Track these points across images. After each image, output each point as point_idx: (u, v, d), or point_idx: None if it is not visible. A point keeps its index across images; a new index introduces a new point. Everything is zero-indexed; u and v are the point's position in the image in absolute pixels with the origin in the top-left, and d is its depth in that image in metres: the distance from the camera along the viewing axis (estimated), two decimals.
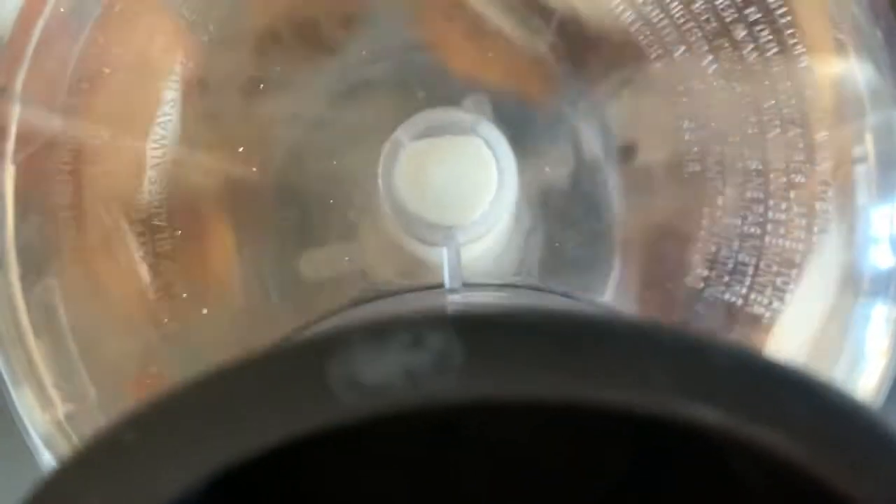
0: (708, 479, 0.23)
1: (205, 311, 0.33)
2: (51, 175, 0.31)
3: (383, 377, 0.12)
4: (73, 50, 0.31)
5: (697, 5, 0.31)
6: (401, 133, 0.30)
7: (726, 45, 0.31)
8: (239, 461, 0.12)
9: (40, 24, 0.31)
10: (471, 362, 0.12)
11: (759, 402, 0.12)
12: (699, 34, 0.31)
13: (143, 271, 0.32)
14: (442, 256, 0.29)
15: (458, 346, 0.12)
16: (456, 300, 0.27)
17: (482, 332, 0.12)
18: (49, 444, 0.32)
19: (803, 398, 0.12)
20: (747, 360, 0.13)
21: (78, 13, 0.31)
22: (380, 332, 0.12)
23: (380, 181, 0.29)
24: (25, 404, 0.31)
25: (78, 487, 0.13)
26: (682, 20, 0.31)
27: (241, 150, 0.32)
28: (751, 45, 0.31)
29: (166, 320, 0.32)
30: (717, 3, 0.31)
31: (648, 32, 0.31)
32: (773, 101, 0.31)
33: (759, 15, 0.31)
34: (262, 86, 0.32)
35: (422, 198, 0.29)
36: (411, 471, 0.26)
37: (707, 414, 0.12)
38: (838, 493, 0.13)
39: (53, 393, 0.31)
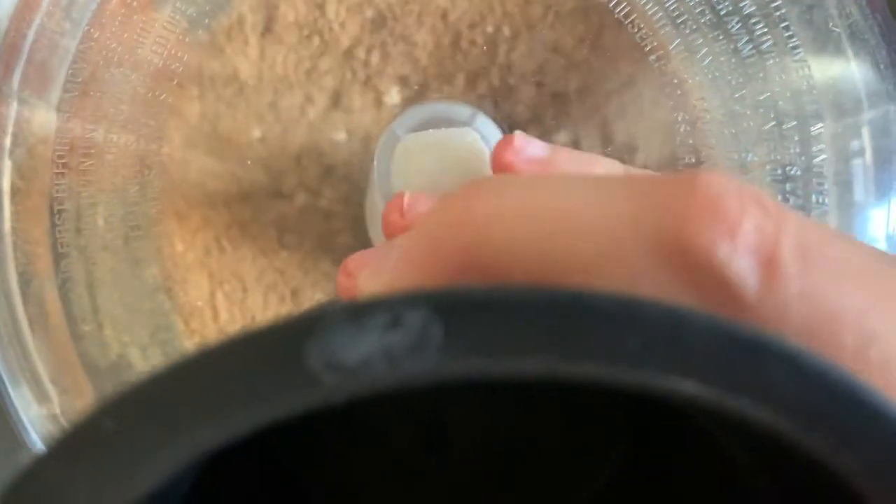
0: (704, 471, 0.22)
1: (199, 302, 0.33)
2: (48, 170, 0.31)
3: (362, 357, 0.12)
4: (70, 46, 0.31)
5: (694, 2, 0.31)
6: (397, 125, 0.30)
7: (721, 37, 0.31)
8: (221, 445, 0.12)
9: (37, 20, 0.31)
10: (450, 340, 0.12)
11: (740, 374, 0.12)
12: (693, 27, 0.31)
13: (142, 265, 0.32)
14: None
15: (436, 325, 0.12)
16: None
17: (461, 309, 0.12)
18: (46, 439, 0.32)
19: (786, 368, 0.12)
20: (728, 331, 0.12)
21: (74, 9, 0.31)
22: (358, 312, 0.12)
23: (375, 173, 0.29)
24: (22, 399, 0.31)
25: (60, 477, 0.12)
26: (676, 13, 0.31)
27: (238, 147, 0.32)
28: (745, 38, 0.31)
29: (167, 316, 0.32)
30: None
31: (643, 26, 0.31)
32: (769, 94, 0.31)
33: (753, 7, 0.31)
34: (261, 84, 0.32)
35: (415, 190, 0.29)
36: (402, 464, 0.26)
37: (686, 386, 0.12)
38: (823, 464, 0.12)
39: (49, 387, 0.31)
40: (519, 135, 0.25)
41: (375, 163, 0.29)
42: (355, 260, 0.22)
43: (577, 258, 0.15)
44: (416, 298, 0.12)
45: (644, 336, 0.12)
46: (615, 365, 0.12)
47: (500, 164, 0.25)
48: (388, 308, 0.12)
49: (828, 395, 0.12)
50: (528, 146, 0.25)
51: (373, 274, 0.20)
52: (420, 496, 0.26)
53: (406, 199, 0.25)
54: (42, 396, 0.31)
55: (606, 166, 0.25)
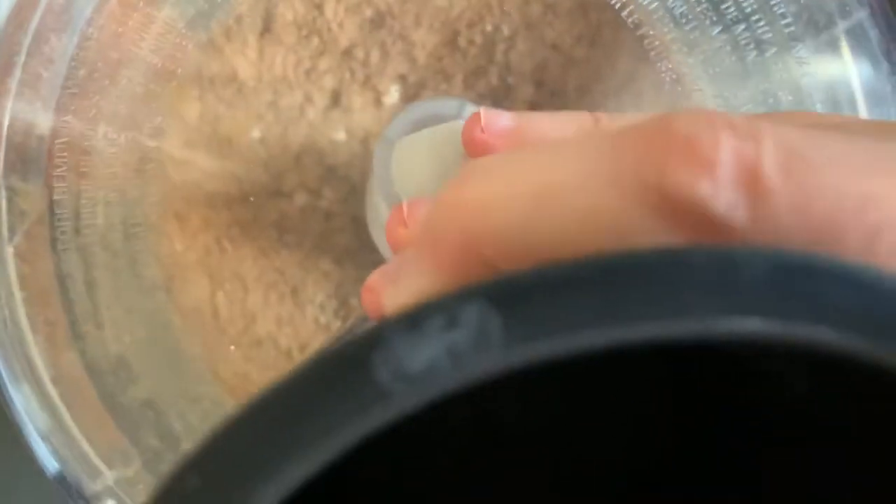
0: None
1: (199, 303, 0.33)
2: (48, 171, 0.31)
3: (427, 362, 0.12)
4: (68, 47, 0.31)
5: None
6: (389, 131, 0.29)
7: (721, 34, 0.31)
8: (307, 478, 0.12)
9: (34, 22, 0.31)
10: (510, 330, 0.12)
11: (799, 300, 0.12)
12: (694, 23, 0.31)
13: (142, 265, 0.32)
14: None
15: (494, 317, 0.12)
16: None
17: (514, 297, 0.12)
18: (48, 440, 0.31)
19: (842, 285, 0.12)
20: (777, 259, 0.12)
21: (72, 10, 0.31)
22: (414, 318, 0.12)
23: (375, 180, 0.29)
24: (23, 398, 0.31)
25: None
26: (676, 9, 0.31)
27: (238, 147, 0.32)
28: (745, 35, 0.31)
29: (167, 316, 0.32)
30: None
31: (643, 22, 0.31)
32: (769, 90, 0.31)
33: (753, 3, 0.31)
34: (261, 84, 0.32)
35: (416, 190, 0.29)
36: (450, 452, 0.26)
37: (750, 325, 0.12)
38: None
39: (53, 391, 0.31)
40: (484, 110, 0.25)
41: (375, 171, 0.29)
42: (376, 276, 0.22)
43: (570, 226, 0.16)
44: (469, 294, 0.12)
45: (698, 284, 0.12)
46: (677, 320, 0.12)
47: (473, 144, 0.25)
48: (443, 309, 0.12)
49: (888, 303, 0.12)
50: (496, 120, 0.25)
51: (393, 286, 0.20)
52: (465, 481, 0.26)
53: (405, 206, 0.25)
54: (46, 402, 0.31)
55: (576, 119, 0.25)
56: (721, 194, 0.14)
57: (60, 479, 0.31)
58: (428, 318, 0.12)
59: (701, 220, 0.14)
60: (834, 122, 0.21)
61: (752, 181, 0.14)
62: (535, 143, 0.25)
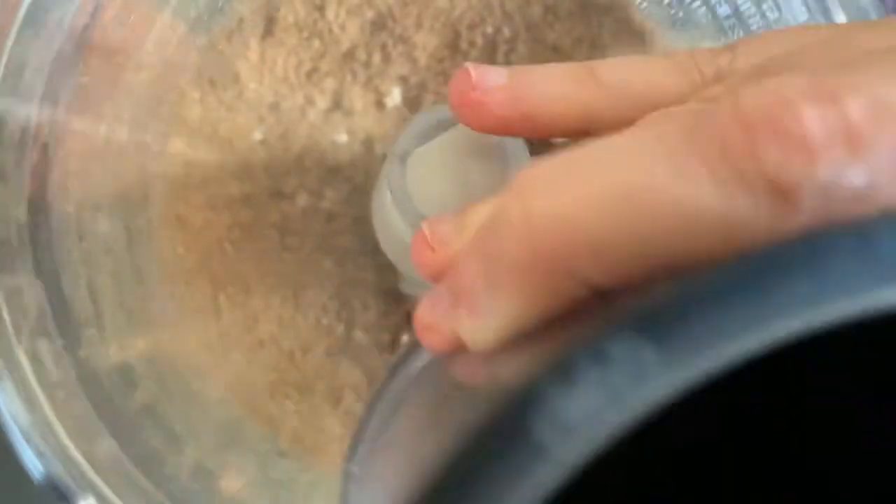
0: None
1: (202, 305, 0.32)
2: (51, 178, 0.31)
3: (588, 409, 0.11)
4: (55, 40, 0.31)
5: (696, 4, 0.32)
6: (399, 144, 0.29)
7: (721, 39, 0.32)
8: None
9: (20, 15, 0.30)
10: (665, 354, 0.11)
11: None
12: (694, 27, 0.32)
13: (144, 269, 0.32)
14: None
15: (646, 346, 0.11)
16: None
17: (662, 319, 0.11)
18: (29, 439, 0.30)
19: None
20: None
21: (72, 15, 0.31)
22: (564, 367, 0.11)
23: (389, 188, 0.28)
24: (6, 399, 0.30)
25: None
26: (675, 13, 0.32)
27: (239, 149, 0.32)
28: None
29: (169, 319, 0.32)
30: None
31: (643, 25, 0.32)
32: None
33: (752, 10, 0.32)
34: (262, 86, 0.32)
35: (438, 202, 0.28)
36: None
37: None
38: None
39: (38, 391, 0.31)
40: (473, 66, 0.24)
41: (391, 189, 0.28)
42: (428, 313, 0.20)
43: (674, 226, 0.15)
44: (612, 327, 0.12)
45: (841, 269, 0.12)
46: (832, 306, 0.11)
47: (466, 107, 0.24)
48: (590, 350, 0.11)
49: None
50: (488, 76, 0.24)
51: (470, 320, 0.18)
52: None
53: (426, 230, 0.23)
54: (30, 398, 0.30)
55: (571, 72, 0.24)
56: (822, 162, 0.14)
57: (48, 482, 0.31)
58: (577, 362, 0.11)
59: (815, 192, 0.14)
60: (830, 32, 0.21)
61: (846, 139, 0.14)
62: (532, 100, 0.24)
